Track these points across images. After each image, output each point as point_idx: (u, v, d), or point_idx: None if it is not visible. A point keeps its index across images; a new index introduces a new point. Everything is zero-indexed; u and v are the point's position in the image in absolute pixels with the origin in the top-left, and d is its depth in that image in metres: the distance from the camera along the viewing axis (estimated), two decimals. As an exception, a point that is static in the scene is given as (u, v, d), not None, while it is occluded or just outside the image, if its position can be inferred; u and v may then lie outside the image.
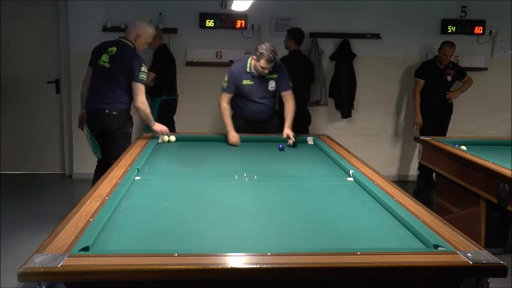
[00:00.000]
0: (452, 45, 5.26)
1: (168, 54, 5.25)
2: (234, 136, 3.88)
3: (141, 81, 3.82)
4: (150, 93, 5.13)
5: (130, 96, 3.88)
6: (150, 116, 3.94)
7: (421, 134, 5.19)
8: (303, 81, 5.13)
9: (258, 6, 5.13)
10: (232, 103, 4.18)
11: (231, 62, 5.62)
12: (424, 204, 2.28)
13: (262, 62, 3.79)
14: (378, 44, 5.76)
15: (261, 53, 3.76)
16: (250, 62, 3.95)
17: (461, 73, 5.52)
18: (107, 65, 3.88)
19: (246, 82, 4.00)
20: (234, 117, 4.17)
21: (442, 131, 5.51)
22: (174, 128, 5.18)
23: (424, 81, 5.42)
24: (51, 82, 5.75)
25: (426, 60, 5.60)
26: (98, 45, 4.05)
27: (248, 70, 3.97)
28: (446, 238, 1.84)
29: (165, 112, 5.21)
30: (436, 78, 5.40)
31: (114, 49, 3.92)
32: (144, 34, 3.97)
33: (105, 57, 3.90)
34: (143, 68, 3.82)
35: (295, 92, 4.17)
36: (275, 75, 4.01)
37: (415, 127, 5.51)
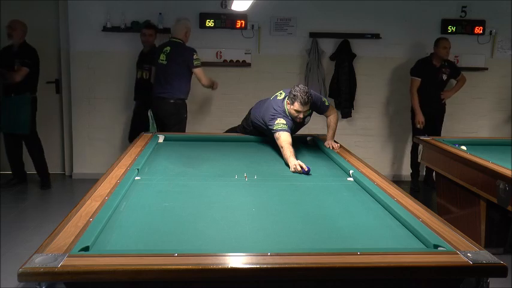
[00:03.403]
0: (447, 39, 5.25)
1: (34, 50, 5.15)
2: (295, 163, 3.05)
3: (197, 66, 4.81)
4: (20, 90, 5.03)
5: (186, 86, 4.91)
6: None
7: (414, 134, 5.24)
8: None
9: (258, 6, 5.14)
10: (253, 119, 3.92)
11: (231, 62, 5.66)
12: (424, 204, 2.28)
13: (297, 105, 3.36)
14: (378, 44, 5.76)
15: (294, 95, 3.36)
16: (287, 107, 3.49)
17: (456, 71, 5.47)
18: (165, 62, 4.82)
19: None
20: (247, 121, 4.10)
21: (435, 130, 5.38)
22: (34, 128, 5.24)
23: (419, 79, 5.36)
24: (51, 82, 5.74)
25: (421, 58, 5.51)
26: (157, 48, 5.01)
27: (288, 116, 3.48)
28: (446, 238, 1.85)
29: (35, 109, 5.22)
30: (431, 77, 5.34)
31: (169, 48, 4.85)
32: (189, 29, 4.95)
33: (162, 56, 4.84)
34: (195, 56, 4.80)
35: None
36: (309, 111, 3.60)
37: (419, 126, 5.36)
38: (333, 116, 3.85)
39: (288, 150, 3.19)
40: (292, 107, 3.42)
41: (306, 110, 3.44)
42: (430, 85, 5.37)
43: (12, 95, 5.05)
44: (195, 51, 4.82)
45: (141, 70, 5.28)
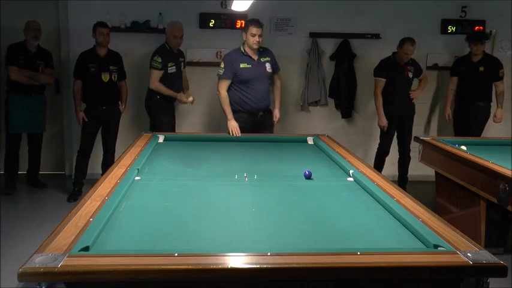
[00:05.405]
0: (414, 43, 5.04)
1: (51, 53, 5.25)
2: (234, 124, 4.09)
3: (150, 67, 4.86)
4: (39, 90, 5.10)
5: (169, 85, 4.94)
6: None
7: (382, 140, 5.37)
8: None
9: (258, 6, 5.13)
10: (232, 98, 4.25)
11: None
12: (424, 204, 2.28)
13: (252, 28, 3.99)
14: (378, 44, 5.76)
15: (248, 21, 4.06)
16: (243, 44, 4.15)
17: (419, 70, 5.29)
18: None
19: (243, 65, 4.13)
20: (234, 116, 4.18)
21: (405, 135, 5.21)
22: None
23: (385, 80, 5.19)
24: (51, 82, 5.74)
25: (384, 58, 5.33)
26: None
27: (243, 52, 4.14)
28: (446, 238, 1.85)
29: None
30: (398, 76, 5.16)
31: None
32: (170, 32, 4.94)
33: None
34: (154, 57, 4.83)
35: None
36: (268, 58, 4.23)
37: (383, 128, 5.29)
38: (279, 84, 4.47)
39: (226, 105, 4.15)
40: (248, 32, 4.01)
41: (261, 33, 4.03)
42: (398, 85, 5.18)
43: (32, 95, 5.07)
44: (157, 53, 4.84)
45: (108, 72, 4.96)
